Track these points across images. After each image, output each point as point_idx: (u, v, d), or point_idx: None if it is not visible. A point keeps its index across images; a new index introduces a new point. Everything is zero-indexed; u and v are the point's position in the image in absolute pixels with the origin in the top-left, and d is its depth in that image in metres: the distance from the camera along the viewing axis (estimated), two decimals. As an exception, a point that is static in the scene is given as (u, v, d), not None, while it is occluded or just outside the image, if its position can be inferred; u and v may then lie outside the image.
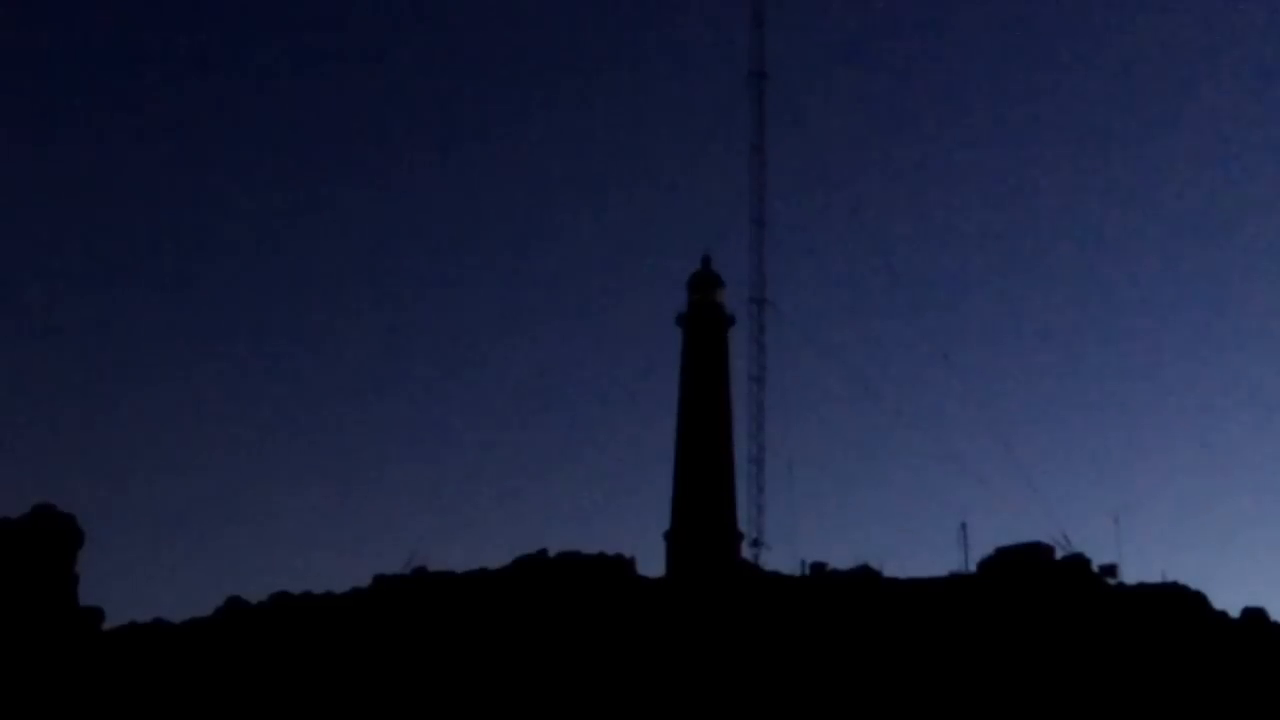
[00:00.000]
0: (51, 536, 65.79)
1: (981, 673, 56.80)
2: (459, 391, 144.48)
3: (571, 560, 63.01)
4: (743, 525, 73.60)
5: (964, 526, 65.72)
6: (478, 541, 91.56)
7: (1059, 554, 61.67)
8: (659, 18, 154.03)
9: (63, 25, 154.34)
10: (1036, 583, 59.79)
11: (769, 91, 77.78)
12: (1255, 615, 59.55)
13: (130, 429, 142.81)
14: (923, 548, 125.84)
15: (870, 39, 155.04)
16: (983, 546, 63.24)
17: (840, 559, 63.95)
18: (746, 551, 72.31)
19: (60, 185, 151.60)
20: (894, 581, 61.35)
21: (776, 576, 64.61)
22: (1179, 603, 59.12)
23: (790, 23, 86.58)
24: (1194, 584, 59.88)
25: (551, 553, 63.67)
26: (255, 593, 65.23)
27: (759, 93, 77.64)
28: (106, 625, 65.62)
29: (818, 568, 64.72)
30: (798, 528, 72.33)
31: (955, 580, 61.69)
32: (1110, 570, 62.19)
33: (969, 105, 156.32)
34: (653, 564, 69.25)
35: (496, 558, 64.06)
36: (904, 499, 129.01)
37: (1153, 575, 60.70)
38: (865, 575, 61.87)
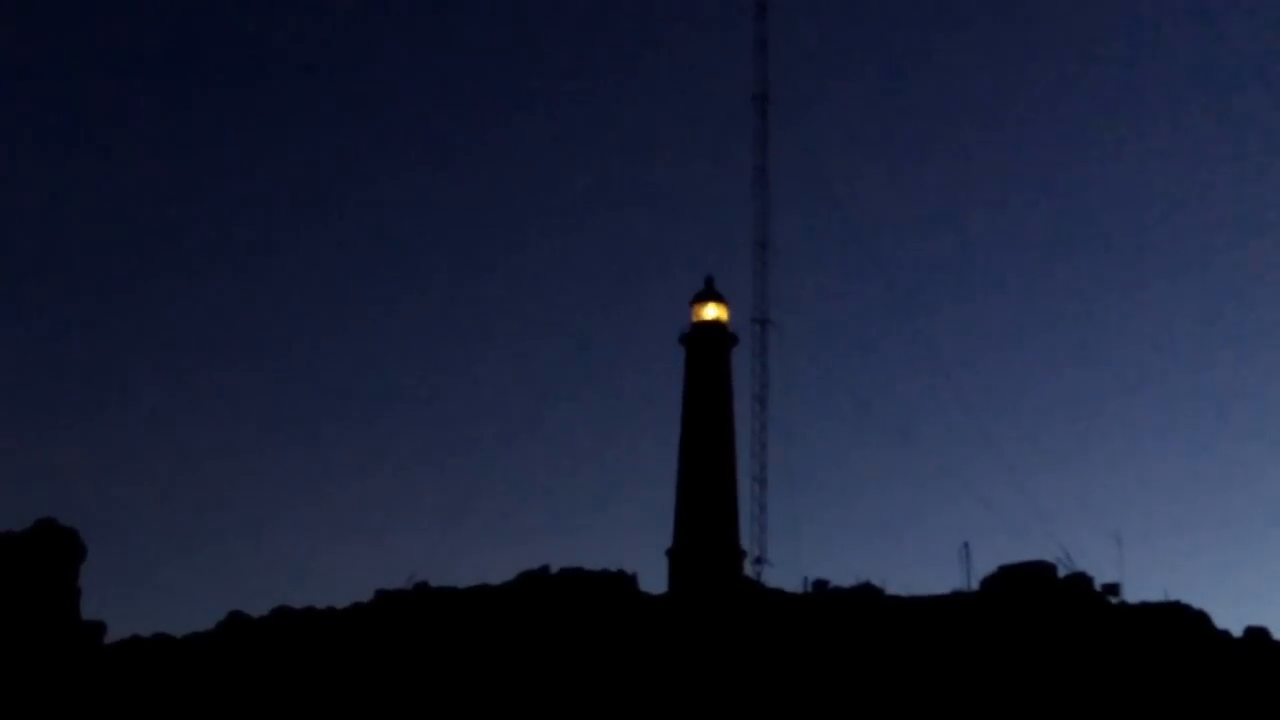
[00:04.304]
0: (54, 550, 65.80)
1: (984, 691, 56.70)
2: (462, 407, 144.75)
3: (574, 577, 63.00)
4: (745, 543, 73.60)
5: (966, 545, 65.72)
6: (480, 557, 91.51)
7: (1061, 573, 61.62)
8: (662, 41, 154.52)
9: (62, 25, 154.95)
10: (1039, 601, 59.71)
11: (771, 114, 78.19)
12: (1258, 634, 59.58)
13: (132, 443, 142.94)
14: (925, 566, 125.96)
15: (872, 62, 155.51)
16: (985, 565, 63.38)
17: (842, 577, 63.97)
18: (749, 569, 72.29)
19: (62, 190, 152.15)
20: (896, 599, 61.31)
21: (778, 594, 64.57)
22: (1181, 622, 59.09)
23: (793, 46, 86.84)
24: (1196, 603, 60.08)
25: (554, 569, 63.68)
26: (257, 607, 65.38)
27: (762, 115, 77.94)
28: (108, 639, 65.64)
29: (820, 585, 64.61)
30: (800, 545, 72.26)
31: (957, 598, 61.66)
32: (1113, 589, 62.15)
33: (971, 127, 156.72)
34: (655, 581, 69.40)
35: (499, 573, 64.23)
36: (906, 517, 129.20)
37: (1155, 594, 60.82)
38: (867, 593, 61.82)
